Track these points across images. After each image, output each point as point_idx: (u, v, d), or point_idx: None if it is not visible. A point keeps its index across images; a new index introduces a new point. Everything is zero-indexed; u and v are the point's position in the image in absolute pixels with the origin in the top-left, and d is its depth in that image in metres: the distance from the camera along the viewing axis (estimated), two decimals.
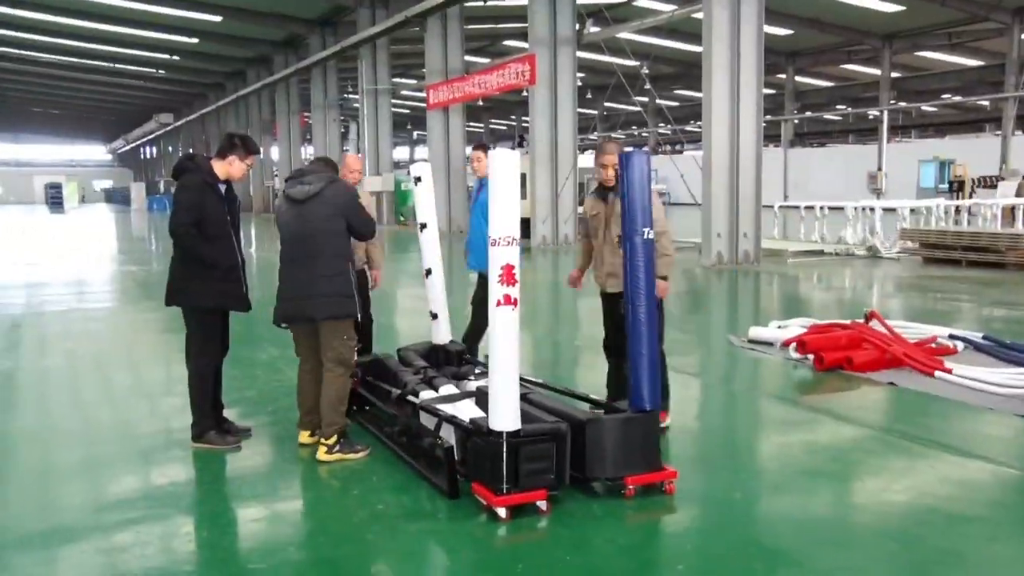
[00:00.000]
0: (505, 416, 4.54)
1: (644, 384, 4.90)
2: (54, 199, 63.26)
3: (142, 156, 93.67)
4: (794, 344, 8.45)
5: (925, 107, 49.04)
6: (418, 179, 6.51)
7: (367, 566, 4.28)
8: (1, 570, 4.17)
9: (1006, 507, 4.83)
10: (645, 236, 4.92)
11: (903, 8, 31.54)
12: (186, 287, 5.99)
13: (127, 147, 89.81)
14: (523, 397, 5.33)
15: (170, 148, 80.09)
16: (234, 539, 4.49)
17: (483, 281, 7.56)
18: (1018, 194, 22.41)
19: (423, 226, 6.54)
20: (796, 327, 9.18)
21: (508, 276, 4.48)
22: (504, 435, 4.52)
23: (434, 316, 6.74)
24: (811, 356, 8.15)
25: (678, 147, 46.30)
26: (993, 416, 6.33)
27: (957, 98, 46.08)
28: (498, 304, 4.50)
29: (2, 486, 5.34)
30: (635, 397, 4.94)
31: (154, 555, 4.26)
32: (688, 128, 42.48)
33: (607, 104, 41.35)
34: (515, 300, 4.49)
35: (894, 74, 40.88)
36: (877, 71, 40.50)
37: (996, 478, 5.26)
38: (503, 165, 4.52)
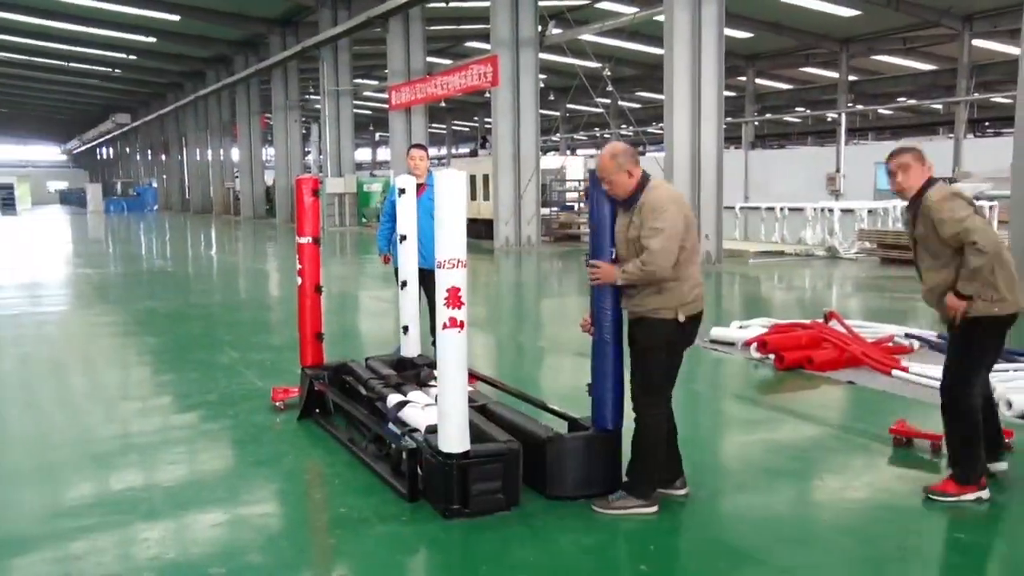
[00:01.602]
0: (454, 438, 4.52)
1: (608, 403, 4.81)
2: (5, 201, 62.05)
3: (98, 157, 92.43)
4: (755, 344, 8.53)
5: (881, 110, 49.71)
6: (402, 191, 6.46)
7: (330, 569, 4.25)
8: None
9: (963, 504, 4.90)
10: (612, 255, 4.67)
11: (859, 13, 31.93)
12: None
13: (82, 148, 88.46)
14: (484, 409, 5.38)
15: (127, 149, 79.15)
16: (194, 545, 4.43)
17: (428, 279, 7.73)
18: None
19: (403, 238, 6.50)
20: (757, 327, 9.25)
21: (454, 299, 4.45)
22: (453, 457, 4.51)
23: (405, 329, 6.71)
24: (772, 356, 8.23)
25: (640, 148, 46.54)
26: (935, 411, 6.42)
27: (912, 101, 46.76)
28: (444, 327, 4.48)
29: None
30: (598, 416, 4.85)
31: (111, 562, 4.20)
32: (650, 130, 42.65)
33: (569, 106, 41.33)
34: (461, 323, 4.46)
35: (851, 77, 41.40)
36: (835, 74, 40.99)
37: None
38: (449, 186, 4.47)
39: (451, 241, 4.48)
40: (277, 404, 6.70)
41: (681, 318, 4.49)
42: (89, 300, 14.50)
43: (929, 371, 7.37)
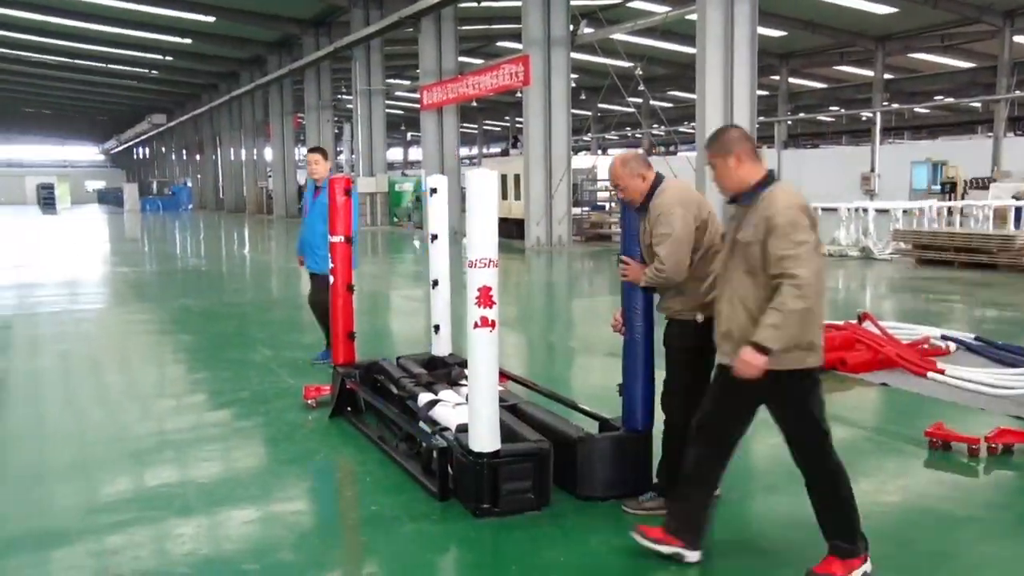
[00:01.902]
0: (484, 438, 4.53)
1: (639, 404, 4.77)
2: (46, 200, 62.95)
3: (135, 157, 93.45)
4: None
5: (918, 109, 49.11)
6: (434, 190, 6.46)
7: (360, 567, 4.28)
8: None
9: (999, 508, 4.84)
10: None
11: (896, 10, 31.62)
12: None
13: (120, 148, 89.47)
14: (515, 409, 5.36)
15: (163, 149, 79.94)
16: (227, 541, 4.47)
17: (318, 282, 8.06)
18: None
19: (434, 237, 6.50)
20: None
21: (485, 298, 4.43)
22: (484, 456, 4.52)
23: (436, 328, 6.73)
24: None
25: (672, 148, 46.32)
26: (985, 416, 6.33)
27: (949, 100, 46.17)
28: (476, 326, 4.46)
29: None
30: (628, 417, 4.82)
31: (147, 557, 4.26)
32: (682, 129, 42.47)
33: (601, 105, 41.25)
34: (493, 322, 4.45)
35: (887, 76, 40.96)
36: (870, 72, 40.59)
37: (989, 479, 5.27)
38: (480, 185, 4.49)
39: (482, 240, 4.46)
40: (309, 402, 6.75)
41: (700, 319, 4.37)
42: (125, 298, 14.68)
43: (966, 374, 7.29)
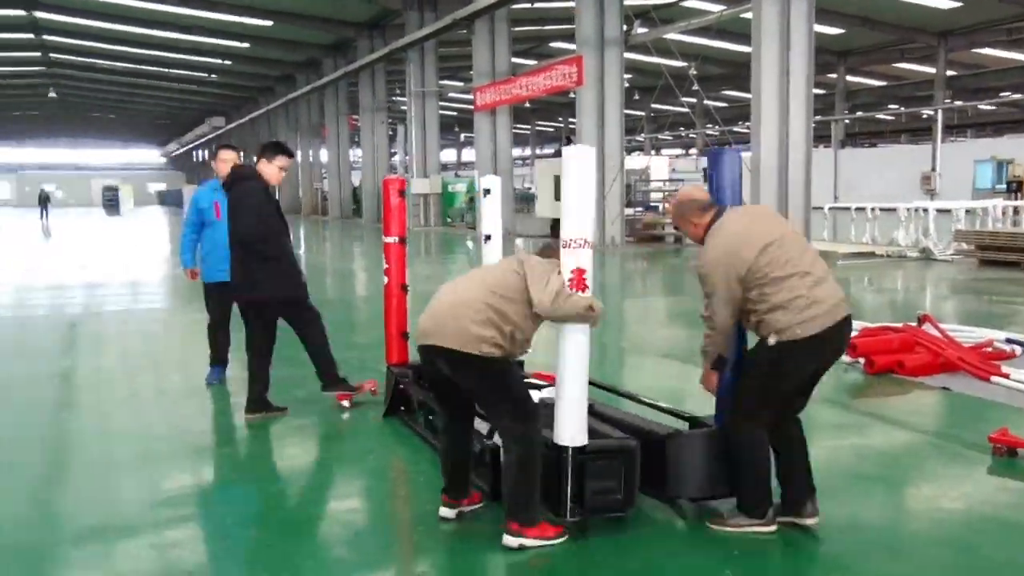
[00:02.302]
0: (570, 429, 4.21)
1: (729, 401, 4.51)
2: (110, 201, 64.32)
3: (194, 159, 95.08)
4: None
5: (982, 106, 48.01)
6: (487, 191, 6.47)
7: (413, 566, 4.29)
8: (59, 563, 4.26)
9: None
10: None
11: (959, 4, 30.98)
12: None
13: (180, 150, 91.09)
14: (593, 410, 4.97)
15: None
16: (282, 536, 4.52)
17: (218, 295, 7.47)
18: None
19: (488, 237, 6.50)
20: None
21: (579, 281, 4.18)
22: (569, 451, 4.19)
23: None
24: (862, 359, 8.03)
25: (727, 147, 45.82)
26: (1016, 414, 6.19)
27: (1016, 96, 45.06)
28: None
29: (60, 482, 5.46)
30: (721, 414, 4.59)
31: (206, 551, 4.34)
32: (736, 129, 42.11)
33: (654, 105, 41.00)
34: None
35: (949, 72, 40.11)
36: (931, 69, 39.79)
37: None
38: (577, 163, 4.25)
39: (578, 218, 4.24)
40: (343, 403, 6.82)
41: (771, 341, 4.18)
42: (184, 298, 14.91)
43: None
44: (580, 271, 4.18)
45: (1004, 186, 32.86)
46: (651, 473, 4.48)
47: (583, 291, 4.14)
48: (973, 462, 5.51)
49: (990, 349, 8.31)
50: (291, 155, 6.67)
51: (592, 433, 4.39)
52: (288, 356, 9.18)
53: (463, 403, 4.46)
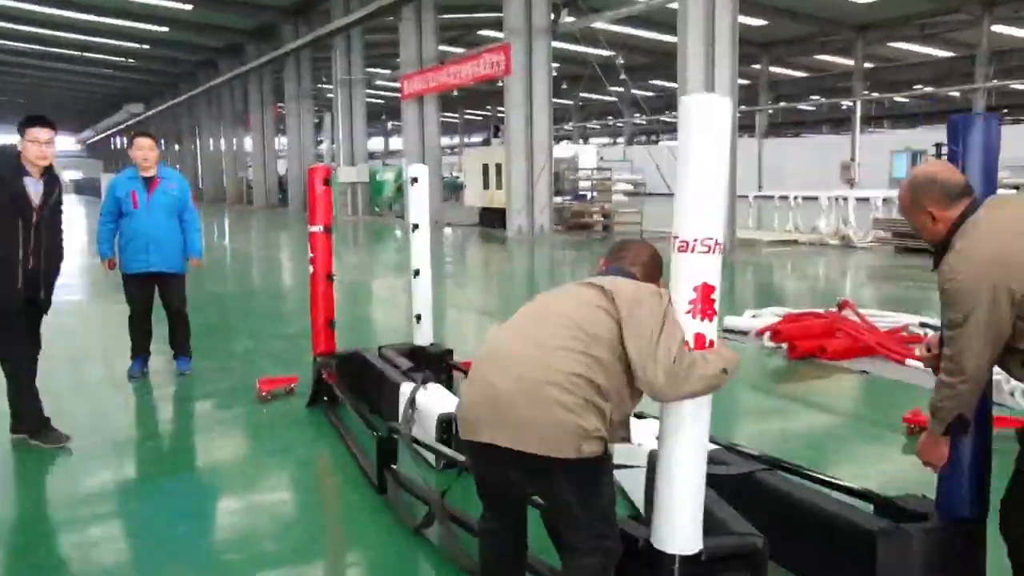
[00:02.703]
0: (680, 529, 2.90)
1: (965, 481, 3.18)
2: None
3: (112, 147, 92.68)
4: (768, 333, 8.53)
5: (898, 98, 49.33)
6: (415, 180, 6.47)
7: (342, 556, 4.28)
8: None
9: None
10: None
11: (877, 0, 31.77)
12: None
13: (97, 137, 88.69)
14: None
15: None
16: (211, 531, 4.47)
17: (138, 286, 7.38)
18: None
19: (415, 227, 6.50)
20: (770, 316, 9.25)
21: (705, 303, 2.80)
22: (677, 560, 2.89)
23: (418, 318, 6.74)
24: (785, 345, 8.23)
25: (653, 137, 46.38)
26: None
27: (929, 88, 46.43)
28: (687, 348, 2.80)
29: None
30: (948, 500, 3.26)
31: (127, 549, 4.28)
32: (663, 118, 42.54)
33: (582, 94, 41.32)
34: (712, 343, 2.85)
35: (867, 64, 41.14)
36: (851, 62, 40.75)
37: None
38: (707, 119, 2.85)
39: (703, 209, 2.83)
40: (263, 395, 6.74)
41: None
42: (104, 289, 14.56)
43: None
44: (707, 290, 2.81)
45: None
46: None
47: (711, 318, 2.81)
48: (889, 441, 5.71)
49: (906, 333, 8.58)
50: (47, 125, 5.56)
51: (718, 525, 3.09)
52: (214, 348, 9.07)
53: (522, 506, 3.19)
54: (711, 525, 3.01)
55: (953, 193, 2.98)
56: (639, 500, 4.21)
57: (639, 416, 4.41)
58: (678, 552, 2.88)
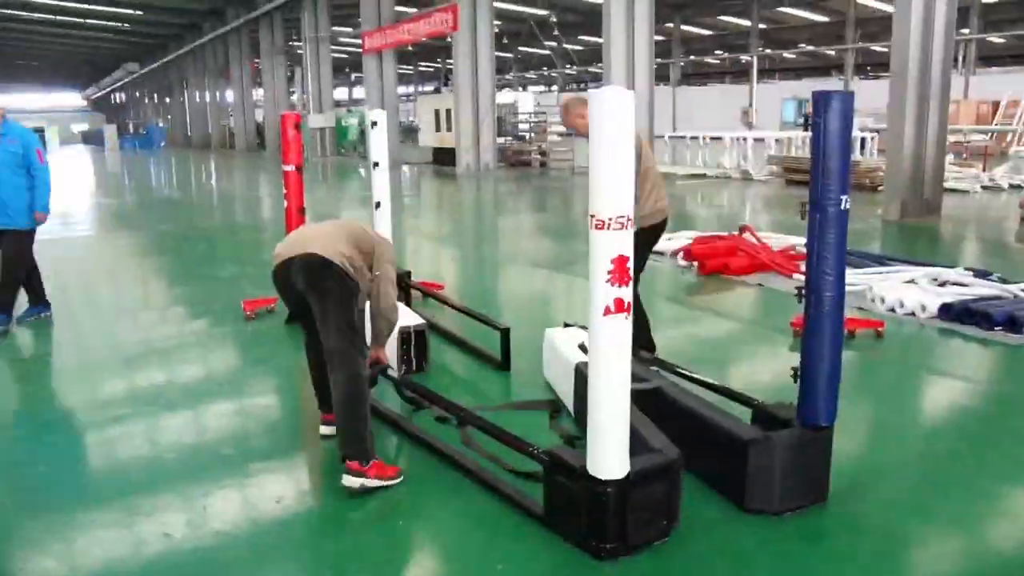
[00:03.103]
0: (611, 459, 2.95)
1: (821, 393, 3.30)
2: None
3: (113, 102, 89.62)
4: (682, 253, 8.57)
5: (786, 54, 49.34)
6: (374, 123, 6.28)
7: (320, 451, 4.25)
8: (18, 457, 4.07)
9: (846, 377, 5.05)
10: (842, 205, 3.26)
11: None
12: None
13: (100, 93, 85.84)
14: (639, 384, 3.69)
15: (137, 93, 76.74)
16: (207, 431, 4.41)
17: (13, 239, 6.36)
18: None
19: (376, 164, 6.34)
20: (683, 239, 9.29)
21: (621, 271, 2.78)
22: (610, 483, 2.95)
23: None
24: (695, 263, 8.28)
25: (583, 85, 45.89)
26: None
27: (810, 47, 46.46)
28: (607, 312, 2.81)
29: (10, 390, 5.18)
30: (808, 410, 3.33)
31: (141, 445, 4.21)
32: (591, 69, 42.05)
33: (521, 48, 40.56)
34: (629, 305, 2.83)
35: (761, 25, 41.00)
36: (748, 23, 40.57)
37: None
38: (610, 111, 2.76)
39: (614, 189, 2.77)
40: (248, 314, 6.62)
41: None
42: (110, 226, 14.16)
43: None
44: (623, 260, 2.78)
45: (803, 120, 33.97)
46: (729, 479, 3.40)
47: (627, 284, 2.80)
48: (779, 344, 5.80)
49: (794, 252, 8.68)
50: None
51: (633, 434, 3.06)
52: (204, 275, 8.88)
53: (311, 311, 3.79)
54: (634, 442, 3.04)
55: (584, 100, 3.93)
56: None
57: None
58: (610, 477, 2.94)
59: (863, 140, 19.59)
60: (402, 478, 3.62)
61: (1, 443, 4.31)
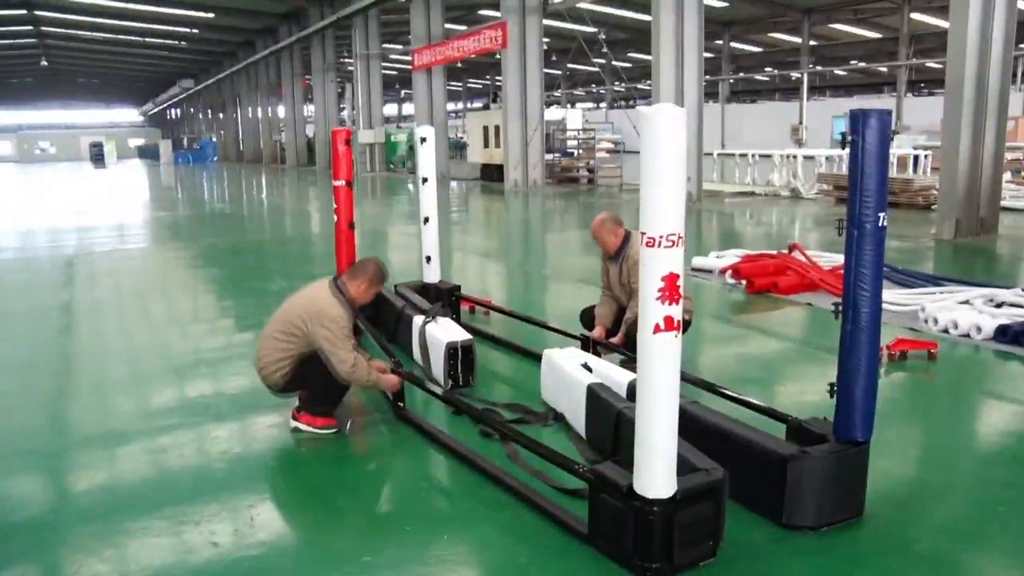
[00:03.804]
0: (658, 478, 2.90)
1: (857, 408, 3.30)
2: (96, 156, 61.93)
3: (168, 117, 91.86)
4: (730, 271, 8.49)
5: (837, 71, 48.70)
6: (423, 139, 6.37)
7: (367, 461, 4.27)
8: (71, 464, 4.21)
9: (894, 400, 4.94)
10: (880, 222, 3.17)
11: None
12: None
13: (156, 109, 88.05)
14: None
15: (191, 109, 78.57)
16: (254, 442, 4.47)
17: None
18: None
19: (425, 180, 6.41)
20: (731, 256, 9.20)
21: (671, 289, 2.75)
22: (657, 504, 2.92)
23: (428, 259, 6.68)
24: (744, 281, 8.19)
25: (631, 102, 45.83)
26: (888, 329, 6.37)
27: (862, 64, 45.84)
28: (656, 330, 2.79)
29: (67, 397, 5.34)
30: (844, 425, 3.32)
31: (190, 455, 4.29)
32: (640, 86, 41.94)
33: (570, 65, 40.59)
34: (678, 323, 2.81)
35: (812, 42, 40.55)
36: (798, 39, 40.17)
37: (890, 378, 5.33)
38: (664, 130, 2.72)
39: (667, 207, 2.74)
40: None
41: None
42: (163, 238, 14.50)
43: None
44: (673, 278, 2.76)
45: (840, 138, 33.53)
46: (766, 495, 3.38)
47: (677, 302, 2.78)
48: (828, 363, 5.66)
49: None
50: None
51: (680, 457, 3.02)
52: (253, 288, 9.02)
53: None
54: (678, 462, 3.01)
55: (619, 219, 5.24)
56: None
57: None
58: (657, 496, 2.91)
59: (916, 158, 19.22)
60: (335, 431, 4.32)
61: (52, 451, 4.42)
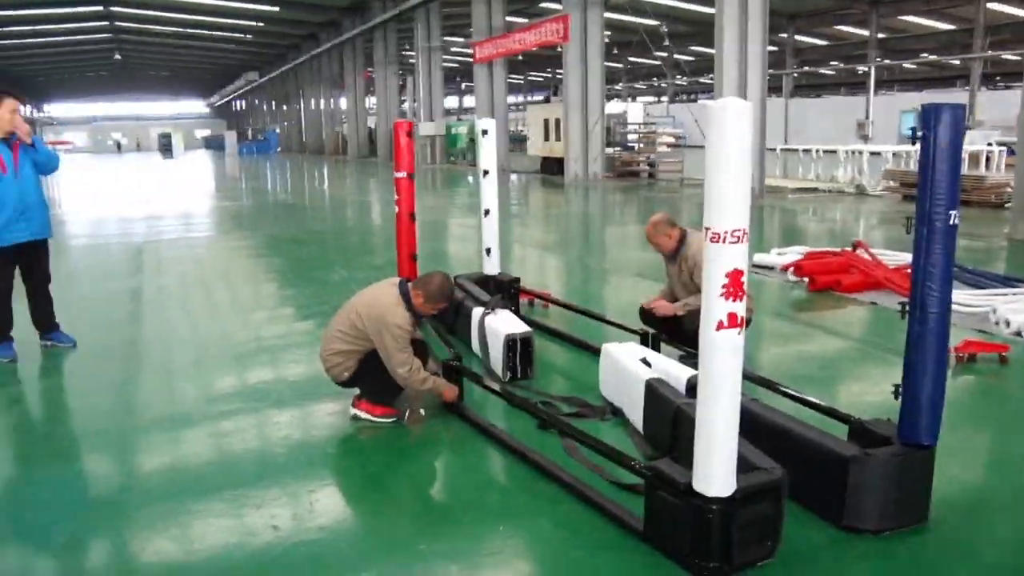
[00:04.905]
0: (718, 476, 2.86)
1: (922, 410, 3.19)
2: (165, 146, 63.77)
3: (233, 109, 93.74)
4: (792, 268, 8.33)
5: (906, 64, 47.23)
6: (485, 132, 6.40)
7: (423, 451, 4.31)
8: (139, 445, 4.34)
9: (961, 403, 4.80)
10: (951, 220, 3.06)
11: None
12: None
13: (222, 101, 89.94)
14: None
15: (256, 101, 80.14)
16: (314, 428, 4.55)
17: (36, 253, 5.83)
18: None
19: (486, 172, 6.44)
20: (794, 253, 9.03)
21: (735, 286, 2.71)
22: (716, 502, 2.89)
23: (488, 251, 6.71)
24: (806, 279, 8.03)
25: (693, 96, 45.27)
26: (956, 330, 6.17)
27: (933, 57, 44.38)
28: (719, 327, 2.75)
29: (136, 381, 5.50)
30: (909, 427, 3.23)
31: (251, 439, 4.39)
32: (702, 80, 41.40)
33: (631, 59, 40.30)
34: (742, 320, 2.78)
35: (880, 35, 39.46)
36: (866, 32, 39.14)
37: (958, 381, 5.17)
38: (730, 123, 2.66)
39: (732, 201, 2.69)
40: None
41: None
42: (228, 227, 14.84)
43: None
44: (737, 274, 2.72)
45: (910, 133, 32.42)
46: (826, 495, 3.32)
47: (741, 299, 2.74)
48: (893, 364, 5.51)
49: (910, 270, 8.31)
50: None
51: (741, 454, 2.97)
52: (314, 278, 9.14)
53: None
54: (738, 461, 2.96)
55: (672, 220, 5.22)
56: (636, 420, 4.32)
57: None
58: (717, 495, 2.88)
59: (988, 156, 18.60)
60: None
61: (122, 431, 4.56)
